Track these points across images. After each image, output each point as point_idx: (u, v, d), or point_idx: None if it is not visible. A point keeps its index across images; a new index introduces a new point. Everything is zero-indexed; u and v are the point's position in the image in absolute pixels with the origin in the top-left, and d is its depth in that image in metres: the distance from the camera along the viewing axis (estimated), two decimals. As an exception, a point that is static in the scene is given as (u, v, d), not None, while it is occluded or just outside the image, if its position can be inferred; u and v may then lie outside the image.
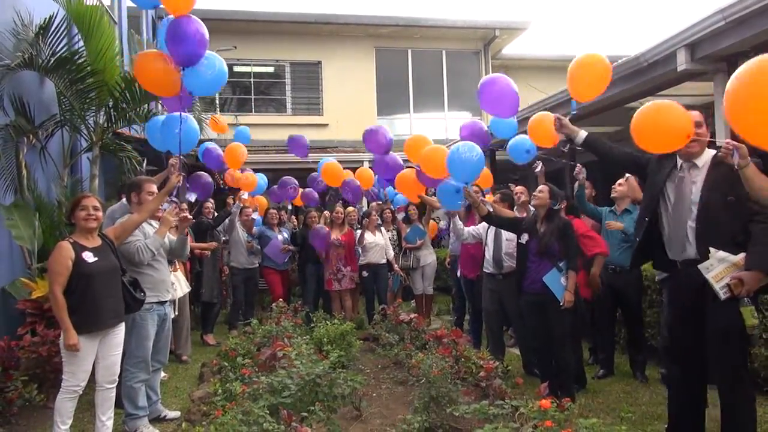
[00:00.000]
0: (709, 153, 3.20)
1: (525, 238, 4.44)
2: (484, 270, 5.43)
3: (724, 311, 2.97)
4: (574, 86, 4.12)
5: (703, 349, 3.16)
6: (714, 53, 5.00)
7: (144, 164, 7.19)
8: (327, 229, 7.19)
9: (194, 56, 4.10)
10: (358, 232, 7.38)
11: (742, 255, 2.94)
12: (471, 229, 5.59)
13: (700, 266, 3.02)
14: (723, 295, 2.95)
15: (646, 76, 5.65)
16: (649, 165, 3.45)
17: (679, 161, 3.27)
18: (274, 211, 7.78)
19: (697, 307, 3.11)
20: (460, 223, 5.53)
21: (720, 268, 2.97)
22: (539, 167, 5.26)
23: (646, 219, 3.37)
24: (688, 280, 3.13)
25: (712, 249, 3.00)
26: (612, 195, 5.14)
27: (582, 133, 3.66)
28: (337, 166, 7.36)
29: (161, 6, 4.11)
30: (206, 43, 4.12)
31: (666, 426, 3.49)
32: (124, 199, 4.65)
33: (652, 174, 3.42)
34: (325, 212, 7.83)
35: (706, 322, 3.08)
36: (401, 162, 6.12)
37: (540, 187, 4.50)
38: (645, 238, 3.38)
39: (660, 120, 3.05)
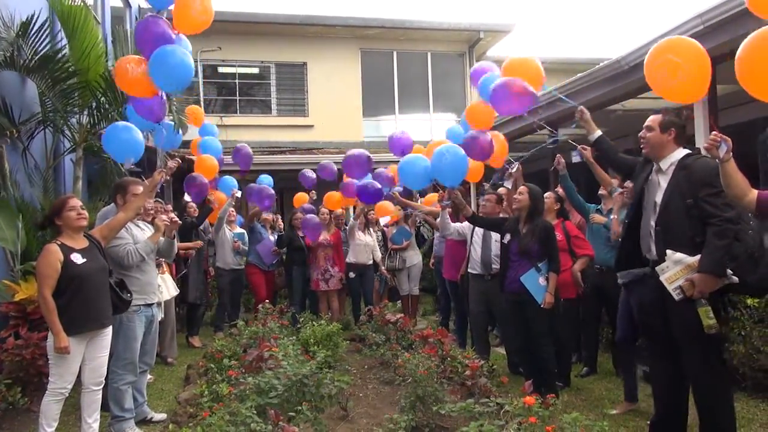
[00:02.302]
0: (675, 156, 3.24)
1: (507, 238, 4.51)
2: (470, 271, 5.47)
3: (686, 311, 3.01)
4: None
5: (672, 344, 3.22)
6: (693, 57, 5.09)
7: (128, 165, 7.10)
8: (317, 219, 7.20)
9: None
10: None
11: (698, 257, 2.98)
12: (457, 225, 5.64)
13: (656, 268, 3.09)
14: (677, 296, 3.00)
15: (628, 79, 5.75)
16: (636, 169, 3.53)
17: (655, 164, 3.35)
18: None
19: (661, 304, 3.17)
20: (448, 217, 5.57)
21: (675, 270, 3.03)
22: (515, 167, 5.31)
23: (626, 221, 3.46)
24: (655, 280, 3.18)
25: (668, 251, 3.06)
26: (600, 192, 5.20)
27: (597, 132, 3.78)
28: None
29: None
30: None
31: (649, 422, 3.55)
32: None
33: (635, 178, 3.50)
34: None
35: (670, 319, 3.14)
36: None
37: (519, 189, 4.55)
38: (627, 241, 3.43)
39: None
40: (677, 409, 3.33)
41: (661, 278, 3.06)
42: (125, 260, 3.97)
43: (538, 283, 4.26)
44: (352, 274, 7.28)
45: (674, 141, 3.26)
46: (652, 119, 3.33)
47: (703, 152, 3.44)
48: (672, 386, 3.31)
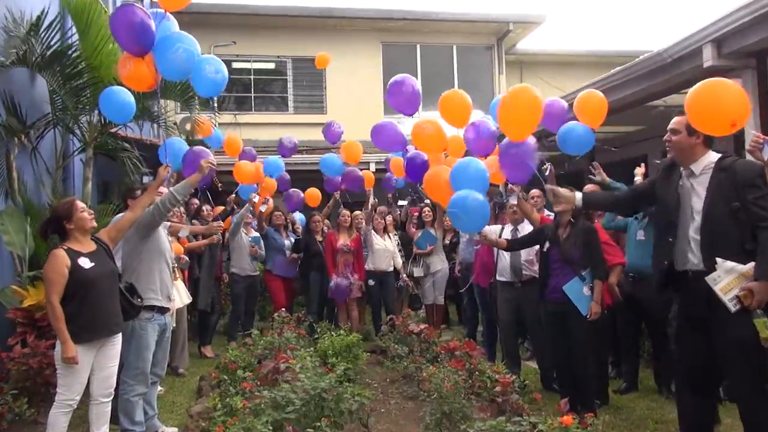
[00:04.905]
0: (708, 159, 3.16)
1: (547, 246, 4.46)
2: (499, 279, 5.41)
3: (736, 323, 2.94)
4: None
5: (714, 363, 3.13)
6: (741, 49, 5.00)
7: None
8: (346, 281, 7.10)
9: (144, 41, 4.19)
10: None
11: (751, 265, 2.92)
12: (488, 227, 5.56)
13: (707, 278, 3.00)
14: (733, 307, 2.93)
15: (670, 72, 5.64)
16: (655, 185, 3.47)
17: (682, 169, 3.27)
18: (280, 212, 7.83)
19: (705, 318, 3.09)
20: None
21: (728, 280, 2.95)
22: (548, 169, 5.24)
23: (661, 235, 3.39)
24: (695, 292, 3.11)
25: (719, 260, 2.98)
26: None
27: (578, 196, 3.82)
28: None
29: None
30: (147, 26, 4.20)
31: None
32: None
33: (661, 189, 3.41)
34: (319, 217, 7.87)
35: (715, 335, 3.06)
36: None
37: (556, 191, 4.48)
38: (663, 256, 3.33)
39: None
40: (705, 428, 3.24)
41: (715, 289, 2.97)
42: (160, 207, 4.06)
43: (582, 293, 4.19)
44: (371, 282, 7.25)
45: (703, 144, 3.17)
46: (676, 121, 3.23)
47: (748, 155, 3.36)
48: (704, 404, 3.23)
